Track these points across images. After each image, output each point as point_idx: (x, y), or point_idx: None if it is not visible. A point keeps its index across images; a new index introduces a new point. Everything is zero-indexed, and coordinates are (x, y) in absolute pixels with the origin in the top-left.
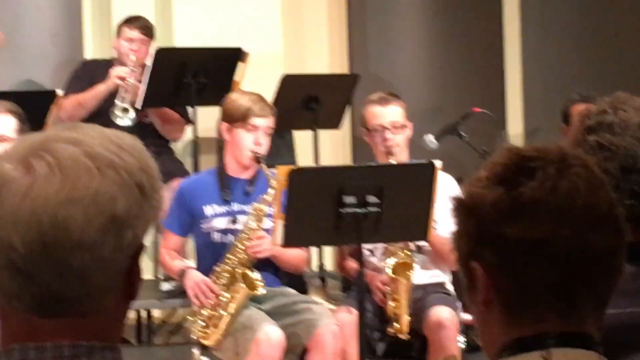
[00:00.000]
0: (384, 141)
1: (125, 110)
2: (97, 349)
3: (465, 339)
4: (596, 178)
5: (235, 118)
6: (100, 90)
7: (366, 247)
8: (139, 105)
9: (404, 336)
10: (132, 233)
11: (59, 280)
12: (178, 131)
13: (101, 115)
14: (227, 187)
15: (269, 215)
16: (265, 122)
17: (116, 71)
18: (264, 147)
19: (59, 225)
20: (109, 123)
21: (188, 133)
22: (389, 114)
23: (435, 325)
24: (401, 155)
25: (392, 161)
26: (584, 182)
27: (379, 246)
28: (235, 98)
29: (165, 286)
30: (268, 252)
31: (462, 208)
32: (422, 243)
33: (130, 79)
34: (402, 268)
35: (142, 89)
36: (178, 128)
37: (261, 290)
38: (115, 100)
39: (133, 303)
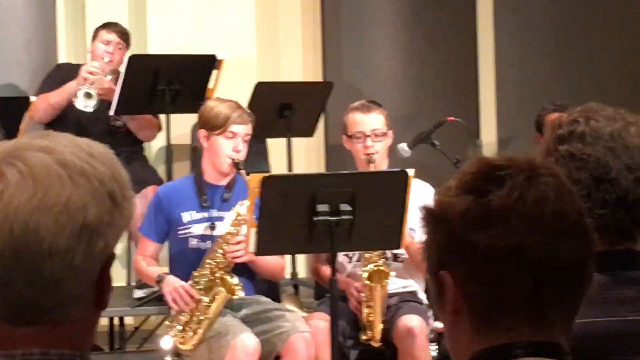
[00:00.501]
0: (364, 148)
1: (89, 95)
2: (66, 357)
3: (438, 348)
4: (565, 187)
5: (213, 125)
6: (70, 87)
7: (343, 253)
8: (112, 112)
9: (376, 344)
10: (103, 241)
11: (30, 288)
12: (152, 129)
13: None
14: (205, 194)
15: None
16: (243, 129)
17: (86, 66)
18: (242, 153)
19: (30, 233)
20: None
21: (162, 140)
22: (370, 122)
23: (404, 334)
24: (381, 163)
25: (372, 169)
26: (553, 190)
27: (357, 253)
28: (214, 105)
29: (138, 293)
30: (247, 257)
31: (431, 217)
32: (398, 251)
33: (101, 77)
34: (378, 276)
35: (116, 95)
36: (152, 126)
37: (240, 294)
38: (80, 87)
39: (105, 310)
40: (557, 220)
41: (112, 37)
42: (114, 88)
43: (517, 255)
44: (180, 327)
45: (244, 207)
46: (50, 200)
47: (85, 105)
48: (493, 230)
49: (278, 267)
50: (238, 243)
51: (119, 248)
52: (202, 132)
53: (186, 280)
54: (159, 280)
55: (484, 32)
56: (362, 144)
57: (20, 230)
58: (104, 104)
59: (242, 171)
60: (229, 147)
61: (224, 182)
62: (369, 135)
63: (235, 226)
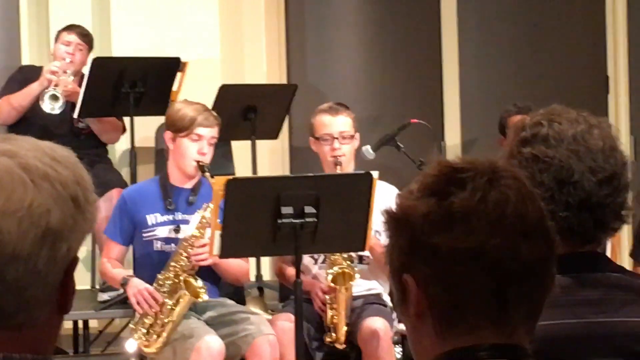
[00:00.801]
0: (332, 151)
1: (55, 97)
2: None
3: (402, 350)
4: (526, 189)
5: (179, 127)
6: (33, 88)
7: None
8: (76, 114)
9: (340, 346)
10: (66, 246)
11: None
12: (115, 131)
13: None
14: (170, 197)
15: None
16: (209, 132)
17: (48, 66)
18: (208, 156)
19: None
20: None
21: (126, 142)
22: (338, 124)
23: (368, 336)
24: (348, 166)
25: (339, 171)
26: (514, 192)
27: (322, 254)
28: (180, 107)
29: (103, 296)
30: (210, 260)
31: (393, 221)
32: (363, 253)
33: (63, 77)
34: (343, 278)
35: (80, 97)
36: (115, 128)
37: (204, 297)
38: (45, 90)
39: (70, 313)
40: (518, 222)
41: (72, 37)
42: (78, 90)
43: (478, 257)
44: (144, 330)
45: (208, 211)
46: (13, 204)
47: (52, 107)
48: (454, 232)
49: (241, 270)
50: (202, 246)
51: (83, 251)
52: (168, 134)
53: (151, 283)
54: (124, 283)
55: (448, 34)
56: (329, 146)
57: None
58: (67, 106)
59: (207, 174)
60: (195, 149)
61: (189, 184)
62: (336, 138)
63: (200, 229)
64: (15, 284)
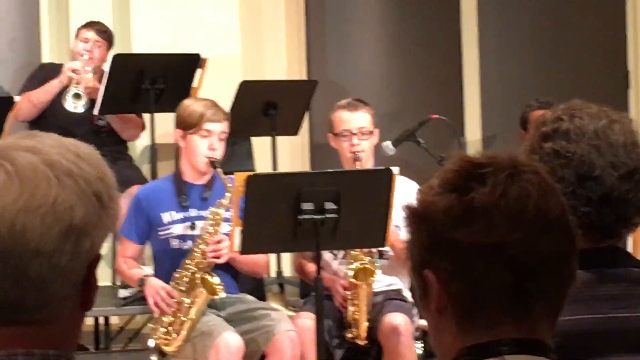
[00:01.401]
0: (351, 147)
1: (78, 96)
2: (51, 357)
3: (423, 345)
4: (547, 184)
5: (188, 124)
6: (53, 85)
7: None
8: (96, 111)
9: (362, 342)
10: (89, 242)
11: (15, 288)
12: (136, 128)
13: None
14: (184, 193)
15: (227, 220)
16: (218, 127)
17: (69, 65)
18: (218, 152)
19: (17, 233)
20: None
21: (146, 139)
22: (357, 120)
23: (389, 332)
24: (368, 162)
25: (358, 167)
26: (535, 187)
27: (342, 251)
28: (189, 104)
29: (123, 293)
30: (227, 255)
31: (414, 216)
32: (384, 248)
33: (84, 74)
34: (364, 273)
35: (100, 94)
36: (136, 125)
37: (221, 295)
38: (68, 88)
39: (91, 310)
40: (539, 217)
41: (91, 34)
42: (99, 87)
43: (499, 252)
44: (163, 329)
45: (223, 206)
46: (37, 200)
47: (75, 106)
48: (475, 228)
49: (259, 263)
50: (217, 242)
51: (104, 247)
52: (178, 132)
53: (169, 280)
54: (141, 284)
55: (468, 29)
56: (348, 142)
57: (7, 231)
58: (87, 103)
59: (219, 169)
60: (205, 145)
61: (202, 181)
62: (355, 134)
63: (214, 226)
64: (39, 279)
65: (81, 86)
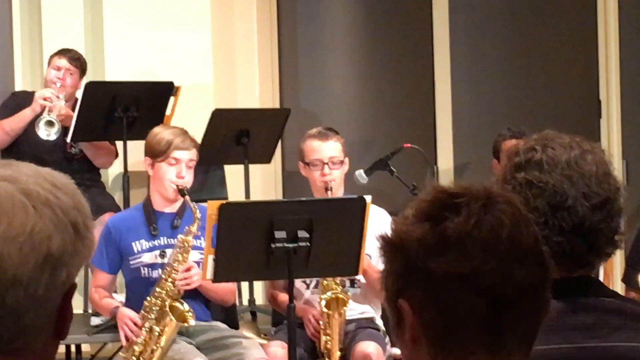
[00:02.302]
0: (322, 176)
1: (50, 123)
2: None
3: None
4: (520, 214)
5: (157, 152)
6: (26, 114)
7: (301, 279)
8: (69, 139)
9: None
10: (65, 272)
11: None
12: (109, 156)
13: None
14: (154, 222)
15: (196, 247)
16: (186, 155)
17: (40, 93)
18: (187, 179)
19: None
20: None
21: (119, 167)
22: (328, 149)
23: None
24: (338, 191)
25: (330, 196)
26: (509, 217)
27: (314, 279)
28: (157, 132)
29: (95, 321)
30: (196, 283)
31: (388, 246)
32: (356, 276)
33: (56, 102)
34: (336, 303)
35: (73, 122)
36: (108, 153)
37: (191, 322)
38: (41, 116)
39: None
40: (513, 247)
41: (63, 62)
42: (72, 114)
43: (473, 282)
44: (135, 358)
45: (190, 234)
46: (15, 230)
47: (48, 133)
48: (449, 257)
49: (227, 291)
50: (186, 270)
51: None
52: (147, 160)
53: (140, 309)
54: (113, 315)
55: (440, 58)
56: (319, 172)
57: None
58: (60, 130)
59: (187, 197)
60: (173, 173)
61: (173, 209)
62: (326, 163)
63: (182, 253)
64: (15, 309)
65: (53, 114)
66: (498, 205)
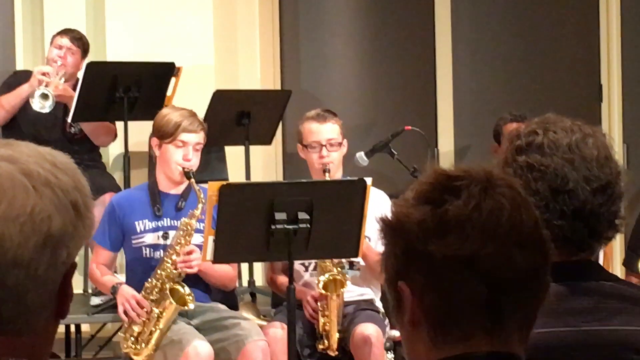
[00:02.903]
0: (320, 158)
1: (45, 96)
2: None
3: (394, 356)
4: (521, 198)
5: (164, 133)
6: (23, 89)
7: (300, 262)
8: (70, 118)
9: (333, 353)
10: (66, 252)
11: None
12: (108, 134)
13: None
14: (159, 203)
15: (199, 231)
16: (194, 138)
17: (39, 68)
18: (193, 162)
19: None
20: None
21: (119, 147)
22: (326, 131)
23: (360, 342)
24: (336, 173)
25: (328, 178)
26: (509, 201)
27: (313, 261)
28: (166, 113)
29: (95, 300)
30: (198, 266)
31: (389, 229)
32: (356, 259)
33: (54, 77)
34: (334, 285)
35: (74, 102)
36: (108, 132)
37: (191, 305)
38: (36, 88)
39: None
40: (513, 231)
41: (65, 41)
42: (70, 92)
43: (472, 265)
44: (133, 339)
45: (194, 217)
46: (15, 210)
47: (42, 106)
48: (448, 240)
49: (227, 277)
50: (188, 253)
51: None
52: (154, 141)
53: (141, 289)
54: (114, 291)
55: (442, 41)
56: (317, 154)
57: None
58: (60, 109)
59: (192, 180)
60: (180, 155)
61: (177, 190)
62: (324, 145)
63: (185, 236)
64: (16, 289)
65: (50, 88)
66: (498, 189)
